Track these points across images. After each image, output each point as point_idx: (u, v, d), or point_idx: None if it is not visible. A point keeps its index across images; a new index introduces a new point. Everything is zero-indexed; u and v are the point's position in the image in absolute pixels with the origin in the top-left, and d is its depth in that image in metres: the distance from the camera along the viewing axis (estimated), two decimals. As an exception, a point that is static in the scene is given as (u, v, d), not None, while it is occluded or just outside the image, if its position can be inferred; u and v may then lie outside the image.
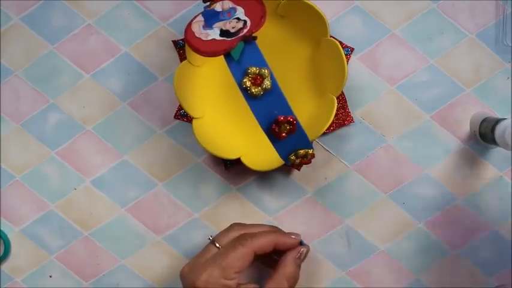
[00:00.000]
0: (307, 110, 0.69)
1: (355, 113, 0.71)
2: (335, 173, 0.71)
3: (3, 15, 0.71)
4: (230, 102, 0.70)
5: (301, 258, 0.66)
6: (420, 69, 0.71)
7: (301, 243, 0.66)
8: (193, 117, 0.66)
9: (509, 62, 0.71)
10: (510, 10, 0.70)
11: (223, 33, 0.56)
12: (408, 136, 0.71)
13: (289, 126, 0.57)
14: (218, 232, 0.67)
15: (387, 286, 0.71)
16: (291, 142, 0.58)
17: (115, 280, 0.74)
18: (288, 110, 0.56)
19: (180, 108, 0.71)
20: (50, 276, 0.74)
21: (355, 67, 0.71)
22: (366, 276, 0.73)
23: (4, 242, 0.73)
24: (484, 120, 0.68)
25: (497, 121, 0.65)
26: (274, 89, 0.56)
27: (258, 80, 0.55)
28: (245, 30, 0.55)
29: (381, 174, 0.71)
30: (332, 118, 0.64)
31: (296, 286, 0.71)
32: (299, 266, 0.66)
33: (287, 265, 0.65)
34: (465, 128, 0.71)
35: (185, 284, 0.64)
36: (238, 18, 0.57)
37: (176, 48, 0.71)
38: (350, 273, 0.73)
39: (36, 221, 0.73)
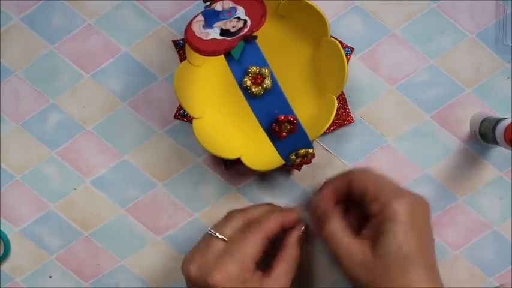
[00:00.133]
0: (307, 109, 0.69)
1: (355, 113, 0.72)
2: (335, 173, 0.71)
3: (3, 15, 0.72)
4: (230, 102, 0.69)
5: (303, 237, 0.66)
6: (420, 69, 0.71)
7: None
8: (193, 117, 0.66)
9: (509, 62, 0.71)
10: (510, 10, 0.71)
11: (224, 32, 0.56)
12: (408, 136, 0.72)
13: (290, 125, 0.57)
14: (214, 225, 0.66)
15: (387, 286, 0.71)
16: (292, 142, 0.58)
17: (115, 280, 0.74)
18: (288, 110, 0.56)
19: (180, 108, 0.71)
20: (50, 277, 0.74)
21: (355, 67, 0.71)
22: (366, 276, 0.73)
23: (4, 242, 0.73)
24: (484, 120, 0.69)
25: (498, 121, 0.65)
26: (275, 89, 0.56)
27: (258, 79, 0.55)
28: (245, 30, 0.55)
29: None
30: (332, 118, 0.64)
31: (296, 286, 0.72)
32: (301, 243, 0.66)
33: (293, 245, 0.65)
34: (465, 128, 0.72)
35: (197, 285, 0.63)
36: (238, 18, 0.57)
37: (176, 48, 0.71)
38: (350, 273, 0.73)
39: (36, 221, 0.73)
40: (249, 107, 0.56)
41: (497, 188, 0.72)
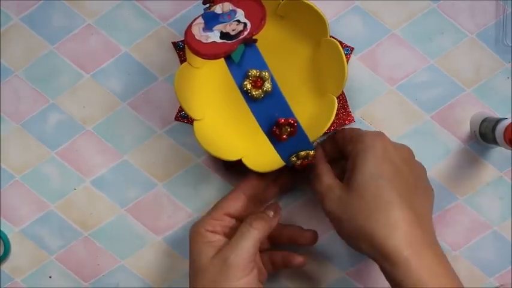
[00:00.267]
0: (307, 110, 0.69)
1: (355, 113, 0.72)
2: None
3: (3, 15, 0.72)
4: (230, 103, 0.70)
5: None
6: (420, 69, 0.72)
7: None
8: (194, 119, 0.67)
9: (509, 62, 0.72)
10: (510, 10, 0.71)
11: (224, 35, 0.56)
12: (408, 136, 0.72)
13: (290, 128, 0.57)
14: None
15: (387, 286, 0.72)
16: (292, 144, 0.59)
17: (115, 280, 0.74)
18: (288, 112, 0.57)
19: (181, 109, 0.72)
20: (50, 277, 0.74)
21: (355, 67, 0.72)
22: (366, 276, 0.74)
23: (4, 242, 0.73)
24: (484, 120, 0.69)
25: (498, 121, 0.65)
26: (275, 92, 0.56)
27: (258, 82, 0.55)
28: (245, 33, 0.55)
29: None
30: (333, 118, 0.64)
31: (296, 286, 0.73)
32: None
33: (252, 219, 0.65)
34: (465, 128, 0.72)
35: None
36: (238, 21, 0.57)
37: (176, 50, 0.71)
38: (350, 273, 0.74)
39: (36, 221, 0.74)
40: (249, 108, 0.57)
41: (497, 188, 0.73)
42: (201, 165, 0.73)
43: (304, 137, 0.59)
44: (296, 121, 0.57)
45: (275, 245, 0.71)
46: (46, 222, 0.74)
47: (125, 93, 0.72)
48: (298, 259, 0.69)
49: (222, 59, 0.56)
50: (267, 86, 0.55)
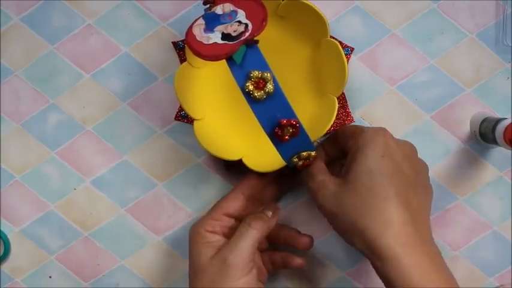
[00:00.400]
0: (307, 110, 0.70)
1: (355, 113, 0.72)
2: (335, 173, 0.72)
3: (3, 15, 0.72)
4: (231, 103, 0.70)
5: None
6: (420, 69, 0.72)
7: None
8: (194, 119, 0.67)
9: (509, 62, 0.72)
10: (510, 10, 0.71)
11: (225, 36, 0.57)
12: (408, 136, 0.72)
13: (292, 129, 0.57)
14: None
15: (387, 286, 0.72)
16: (294, 145, 0.59)
17: (115, 280, 0.75)
18: (290, 113, 0.57)
19: (181, 109, 0.72)
20: (50, 277, 0.75)
21: (355, 67, 0.72)
22: (366, 276, 0.74)
23: (4, 242, 0.73)
24: (484, 120, 0.70)
25: (498, 121, 0.66)
26: (277, 93, 0.56)
27: (260, 83, 0.55)
28: (247, 34, 0.56)
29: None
30: (333, 119, 0.65)
31: (296, 286, 0.73)
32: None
33: (251, 219, 0.66)
34: (465, 128, 0.73)
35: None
36: (239, 22, 0.57)
37: (176, 50, 0.72)
38: (350, 273, 0.74)
39: (36, 221, 0.74)
40: (250, 108, 0.57)
41: (497, 188, 0.73)
42: (201, 165, 0.73)
43: (306, 137, 0.59)
44: (298, 122, 0.57)
45: (272, 245, 0.71)
46: (46, 222, 0.74)
47: (125, 93, 0.73)
48: (298, 260, 0.69)
49: (223, 60, 0.56)
50: (269, 87, 0.55)
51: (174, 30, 0.72)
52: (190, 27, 0.58)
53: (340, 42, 0.71)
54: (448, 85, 0.72)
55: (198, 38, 0.57)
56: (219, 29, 0.57)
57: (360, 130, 0.64)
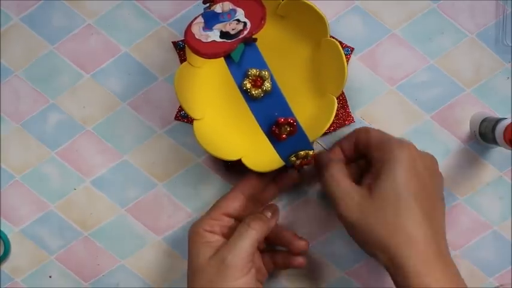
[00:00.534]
0: (307, 110, 0.70)
1: (355, 113, 0.73)
2: (335, 173, 0.73)
3: (3, 15, 0.73)
4: (231, 103, 0.71)
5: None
6: (420, 69, 0.73)
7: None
8: (193, 119, 0.68)
9: (509, 62, 0.72)
10: (510, 10, 0.72)
11: (224, 35, 0.57)
12: (408, 136, 0.73)
13: (290, 127, 0.58)
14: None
15: (387, 286, 0.73)
16: (292, 143, 0.59)
17: (115, 280, 0.75)
18: (288, 112, 0.57)
19: (181, 109, 0.73)
20: (50, 277, 0.75)
21: (355, 67, 0.72)
22: (366, 276, 0.74)
23: (4, 242, 0.74)
24: (484, 120, 0.70)
25: (498, 121, 0.66)
26: (275, 91, 0.56)
27: (258, 82, 0.56)
28: (245, 32, 0.56)
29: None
30: (332, 119, 0.65)
31: (296, 286, 0.74)
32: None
33: (250, 219, 0.67)
34: (465, 128, 0.73)
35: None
36: (238, 20, 0.58)
37: (176, 50, 0.72)
38: (350, 273, 0.75)
39: (36, 221, 0.75)
40: (249, 108, 0.57)
41: (497, 188, 0.73)
42: (201, 165, 0.73)
43: (303, 136, 0.59)
44: (295, 120, 0.57)
45: (270, 246, 0.71)
46: (46, 222, 0.74)
47: (125, 93, 0.73)
48: (298, 260, 0.70)
49: (222, 59, 0.56)
50: (267, 85, 0.56)
51: (174, 30, 0.72)
52: (189, 26, 0.59)
53: (340, 42, 0.72)
54: (448, 85, 0.72)
55: (196, 36, 0.58)
56: (218, 27, 0.58)
57: (385, 141, 0.64)
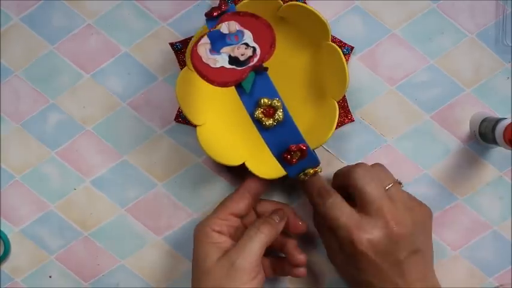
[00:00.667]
0: (308, 115, 0.74)
1: (355, 113, 0.75)
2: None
3: (3, 15, 0.75)
4: (233, 108, 0.72)
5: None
6: (420, 69, 0.74)
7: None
8: (197, 125, 0.68)
9: (509, 62, 0.74)
10: (510, 10, 0.74)
11: (232, 60, 0.59)
12: (408, 136, 0.75)
13: (300, 152, 0.60)
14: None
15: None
16: (301, 164, 0.62)
17: (115, 280, 0.77)
18: (300, 139, 0.60)
19: (180, 111, 0.74)
20: (50, 277, 0.77)
21: (355, 67, 0.75)
22: (366, 276, 0.76)
23: (4, 242, 0.77)
24: (484, 120, 0.72)
25: (498, 121, 0.68)
26: (287, 120, 0.58)
27: (269, 111, 0.58)
28: (255, 59, 0.58)
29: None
30: (334, 127, 0.68)
31: (296, 286, 0.74)
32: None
33: (259, 223, 0.68)
34: (465, 128, 0.75)
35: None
36: (246, 44, 0.59)
37: (174, 51, 0.73)
38: (350, 273, 0.76)
39: (36, 221, 0.77)
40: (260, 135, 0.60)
41: (497, 188, 0.76)
42: (201, 165, 0.75)
43: (313, 158, 0.62)
44: (307, 146, 0.60)
45: (271, 252, 0.72)
46: (46, 222, 0.76)
47: (125, 93, 0.75)
48: (300, 270, 0.71)
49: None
50: (279, 115, 0.58)
51: (174, 30, 0.74)
52: (195, 47, 0.61)
53: (340, 42, 0.72)
54: (448, 85, 0.74)
55: (204, 60, 0.60)
56: (226, 51, 0.60)
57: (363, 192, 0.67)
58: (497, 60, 0.75)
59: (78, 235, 0.77)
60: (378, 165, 0.70)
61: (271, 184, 0.74)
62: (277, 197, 0.76)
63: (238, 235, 0.69)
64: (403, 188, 0.69)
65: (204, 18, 0.63)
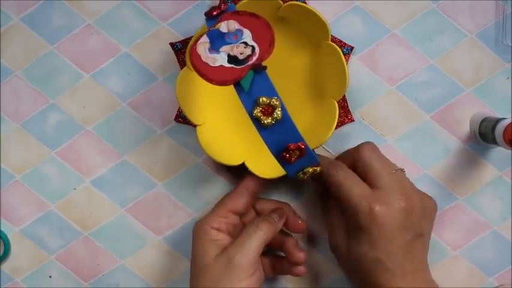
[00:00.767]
0: (307, 115, 0.74)
1: (355, 113, 0.75)
2: (335, 173, 0.74)
3: (3, 15, 0.75)
4: (232, 107, 0.72)
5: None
6: (420, 69, 0.75)
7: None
8: (196, 125, 0.69)
9: (509, 62, 0.74)
10: (510, 10, 0.74)
11: (231, 59, 0.59)
12: (408, 136, 0.75)
13: (299, 151, 0.60)
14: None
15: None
16: (300, 163, 0.62)
17: (115, 280, 0.77)
18: (298, 137, 0.60)
19: (180, 111, 0.74)
20: (50, 277, 0.77)
21: (355, 67, 0.75)
22: (366, 276, 0.76)
23: (4, 242, 0.77)
24: (484, 120, 0.72)
25: (497, 121, 0.69)
26: (285, 119, 0.59)
27: (268, 110, 0.58)
28: (254, 58, 0.58)
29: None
30: (334, 127, 0.68)
31: (296, 286, 0.74)
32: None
33: (258, 220, 0.68)
34: (465, 128, 0.75)
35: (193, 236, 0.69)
36: (245, 43, 0.59)
37: (174, 51, 0.73)
38: (350, 273, 0.76)
39: (36, 221, 0.77)
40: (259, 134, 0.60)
41: (497, 188, 0.76)
42: (201, 165, 0.75)
43: (312, 157, 0.62)
44: (305, 145, 0.61)
45: (271, 251, 0.74)
46: (46, 222, 0.76)
47: (125, 93, 0.75)
48: (299, 269, 0.71)
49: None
50: (277, 113, 0.59)
51: (174, 30, 0.74)
52: (194, 45, 0.61)
53: (340, 41, 0.72)
54: (448, 85, 0.74)
55: (203, 59, 0.60)
56: (225, 50, 0.60)
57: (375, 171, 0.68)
58: (497, 60, 0.75)
59: (78, 235, 0.77)
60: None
61: (271, 183, 0.75)
62: (277, 196, 0.76)
63: (237, 233, 0.69)
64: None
65: (204, 18, 0.63)
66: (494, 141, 0.69)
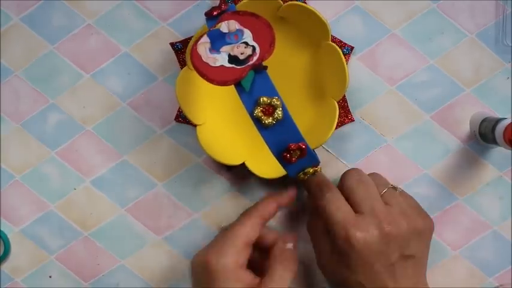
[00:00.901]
0: (307, 115, 0.74)
1: (355, 112, 0.75)
2: (335, 173, 0.74)
3: (3, 15, 0.75)
4: (233, 107, 0.72)
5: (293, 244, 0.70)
6: (420, 69, 0.75)
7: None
8: (196, 124, 0.69)
9: (509, 62, 0.74)
10: (510, 10, 0.74)
11: (232, 59, 0.59)
12: (408, 136, 0.75)
13: (300, 151, 0.61)
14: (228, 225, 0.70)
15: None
16: (301, 163, 0.63)
17: (115, 280, 0.77)
18: (299, 137, 0.61)
19: (180, 111, 0.74)
20: (50, 277, 0.77)
21: (355, 67, 0.75)
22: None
23: (4, 242, 0.77)
24: (484, 120, 0.72)
25: (498, 121, 0.69)
26: (286, 119, 0.59)
27: (269, 110, 0.59)
28: (254, 58, 0.59)
29: (380, 174, 0.74)
30: (334, 127, 0.68)
31: (296, 286, 0.75)
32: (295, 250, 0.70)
33: (283, 259, 0.68)
34: (465, 128, 0.75)
35: (197, 272, 0.67)
36: (246, 43, 0.60)
37: (174, 51, 0.73)
38: (350, 272, 0.76)
39: (36, 221, 0.77)
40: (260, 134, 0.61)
41: (497, 188, 0.76)
42: (201, 165, 0.75)
43: (313, 157, 0.63)
44: (306, 145, 0.61)
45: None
46: (46, 222, 0.77)
47: (125, 93, 0.75)
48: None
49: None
50: (278, 113, 0.59)
51: (174, 30, 0.75)
52: (195, 46, 0.61)
53: (340, 42, 0.73)
54: (448, 85, 0.74)
55: (203, 59, 0.60)
56: (226, 50, 0.60)
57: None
58: (497, 60, 0.75)
59: (78, 235, 0.77)
60: (372, 173, 0.72)
61: (271, 183, 0.75)
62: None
63: (247, 264, 0.66)
64: (406, 192, 0.70)
65: (204, 17, 0.64)
66: (494, 141, 0.69)
